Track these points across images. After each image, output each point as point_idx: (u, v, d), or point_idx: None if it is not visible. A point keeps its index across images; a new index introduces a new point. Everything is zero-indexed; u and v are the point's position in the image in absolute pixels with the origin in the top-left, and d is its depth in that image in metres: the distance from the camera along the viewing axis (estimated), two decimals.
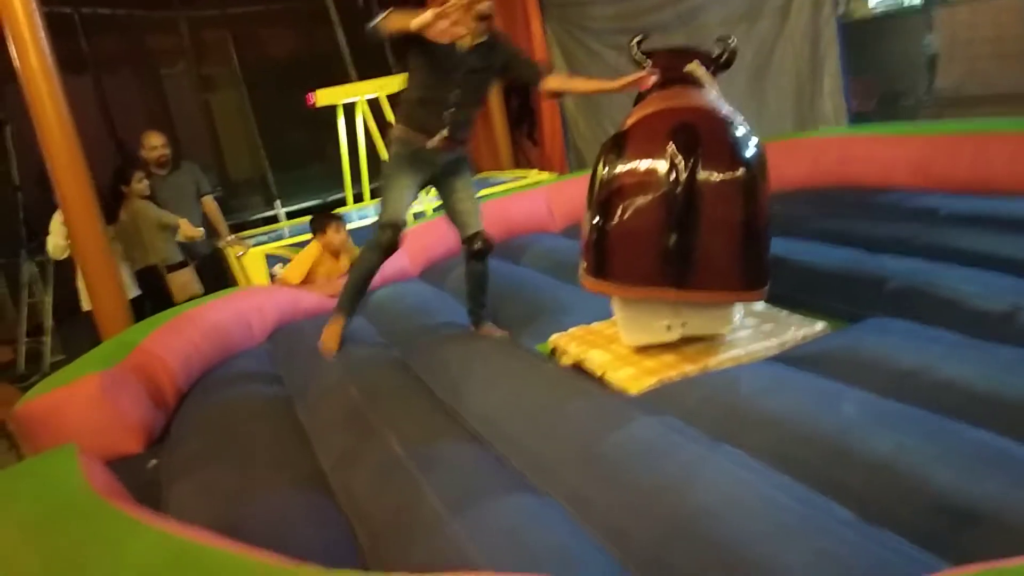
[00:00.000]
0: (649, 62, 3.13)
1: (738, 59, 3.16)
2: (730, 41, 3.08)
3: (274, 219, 7.26)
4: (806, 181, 4.72)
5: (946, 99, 6.36)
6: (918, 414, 2.05)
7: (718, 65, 3.11)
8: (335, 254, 4.52)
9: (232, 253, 5.24)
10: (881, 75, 6.60)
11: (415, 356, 3.24)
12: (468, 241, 3.32)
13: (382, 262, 3.24)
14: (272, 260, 5.08)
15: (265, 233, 6.08)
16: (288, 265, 4.71)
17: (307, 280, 4.49)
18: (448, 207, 3.37)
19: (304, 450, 2.57)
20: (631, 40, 3.21)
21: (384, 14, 2.85)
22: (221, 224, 5.41)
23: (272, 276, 4.88)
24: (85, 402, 2.73)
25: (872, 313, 2.89)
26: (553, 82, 3.24)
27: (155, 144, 4.99)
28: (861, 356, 2.49)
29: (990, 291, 2.72)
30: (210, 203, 5.31)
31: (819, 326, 2.91)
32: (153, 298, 4.55)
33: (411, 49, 3.03)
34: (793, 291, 3.20)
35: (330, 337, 3.33)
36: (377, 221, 3.22)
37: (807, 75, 5.51)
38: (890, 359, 2.41)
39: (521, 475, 2.19)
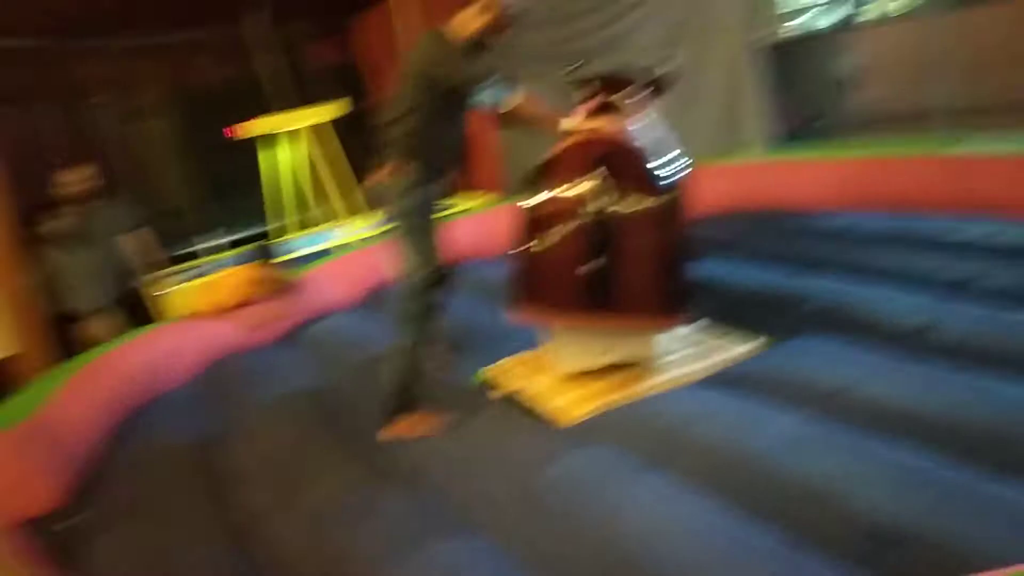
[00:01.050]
0: (586, 89, 3.16)
1: None
2: (668, 66, 3.13)
3: (202, 252, 7.08)
4: (731, 205, 4.84)
5: (861, 120, 6.63)
6: (842, 435, 2.11)
7: (656, 89, 3.16)
8: (261, 286, 4.38)
9: (159, 289, 5.09)
10: (800, 97, 6.85)
11: (349, 395, 3.19)
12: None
13: (428, 331, 2.83)
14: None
15: (193, 268, 5.93)
16: (210, 284, 4.53)
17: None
18: None
19: (229, 500, 2.49)
20: (568, 66, 3.24)
21: (515, 97, 2.65)
22: (149, 259, 5.23)
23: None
24: None
25: (796, 333, 2.96)
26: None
27: (75, 179, 4.80)
28: (787, 377, 2.55)
29: (903, 309, 2.84)
30: (137, 238, 5.14)
31: (746, 347, 2.97)
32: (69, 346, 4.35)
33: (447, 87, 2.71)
34: (721, 313, 3.26)
35: (410, 429, 2.76)
36: (411, 278, 2.77)
37: (730, 98, 5.66)
38: (814, 380, 2.48)
39: (456, 517, 2.17)
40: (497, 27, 2.76)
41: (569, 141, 2.75)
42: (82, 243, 4.69)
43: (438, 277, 2.87)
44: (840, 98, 6.89)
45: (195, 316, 4.39)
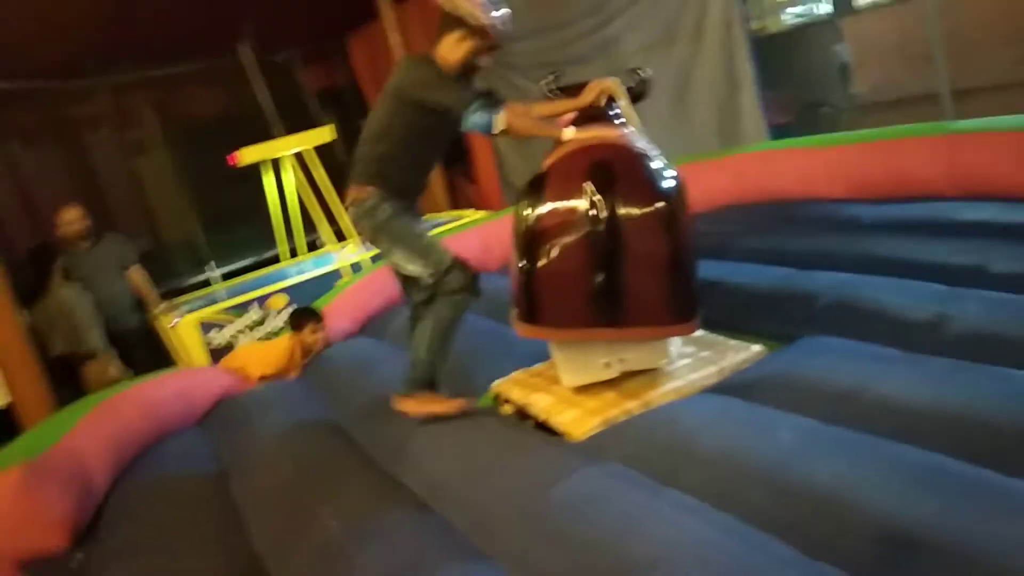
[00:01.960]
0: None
1: (659, 83, 3.13)
2: (642, 72, 3.08)
3: (208, 283, 7.08)
4: (731, 198, 4.76)
5: (862, 105, 6.57)
6: (854, 438, 2.04)
7: (633, 96, 3.11)
8: (305, 354, 4.30)
9: (165, 322, 5.08)
10: (799, 86, 6.79)
11: (356, 420, 3.16)
12: None
13: (468, 304, 2.76)
14: (207, 326, 4.93)
15: (199, 298, 5.91)
16: (249, 352, 4.42)
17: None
18: None
19: (239, 533, 2.47)
20: (544, 79, 3.19)
21: (504, 115, 2.56)
22: (150, 294, 5.24)
23: (221, 348, 4.59)
24: (6, 498, 2.60)
25: (806, 331, 2.90)
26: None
27: (71, 219, 4.83)
28: (797, 380, 2.48)
29: (914, 300, 2.76)
30: (136, 274, 5.15)
31: (756, 349, 2.90)
32: (67, 390, 4.31)
33: (430, 112, 2.65)
34: (728, 315, 3.20)
35: (426, 407, 2.75)
36: (432, 272, 2.69)
37: (725, 94, 5.61)
38: (826, 381, 2.41)
39: (466, 539, 2.13)
40: (486, 49, 2.69)
41: (566, 149, 2.70)
42: (84, 279, 4.70)
43: (468, 270, 2.71)
44: (840, 85, 6.84)
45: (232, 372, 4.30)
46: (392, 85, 2.69)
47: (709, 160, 5.23)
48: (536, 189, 2.66)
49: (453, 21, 2.62)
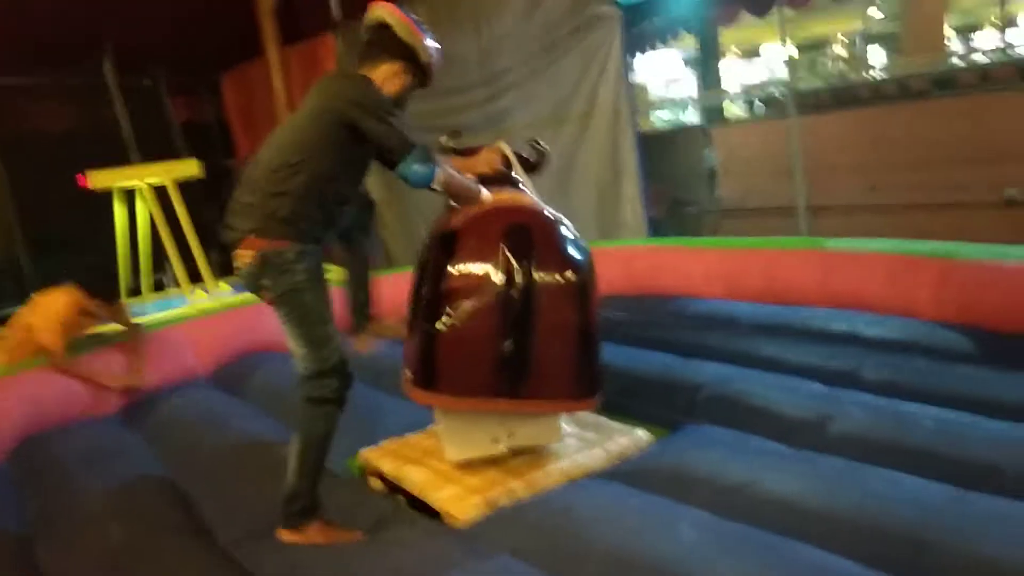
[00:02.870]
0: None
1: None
2: (541, 144, 3.05)
3: None
4: (614, 288, 4.80)
5: (726, 209, 6.99)
6: (754, 535, 1.98)
7: (529, 168, 3.06)
8: (88, 316, 3.81)
9: None
10: (669, 184, 7.13)
11: (200, 485, 2.78)
12: None
13: (338, 418, 2.35)
14: None
15: None
16: (36, 324, 3.73)
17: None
18: None
19: None
20: (443, 137, 3.08)
21: (441, 169, 2.29)
22: None
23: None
24: None
25: (689, 419, 2.89)
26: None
27: None
28: (689, 470, 2.42)
29: (796, 399, 2.80)
30: None
31: (641, 434, 2.84)
32: None
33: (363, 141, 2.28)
34: (611, 397, 3.12)
35: (316, 539, 2.28)
36: (312, 367, 2.29)
37: (608, 181, 5.74)
38: (715, 473, 2.36)
39: None
40: (420, 86, 2.46)
41: (479, 209, 2.56)
42: None
43: (349, 380, 2.35)
44: (706, 188, 7.26)
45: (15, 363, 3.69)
46: (324, 103, 2.28)
47: (596, 248, 5.26)
48: (446, 247, 2.50)
49: (396, 51, 2.36)
